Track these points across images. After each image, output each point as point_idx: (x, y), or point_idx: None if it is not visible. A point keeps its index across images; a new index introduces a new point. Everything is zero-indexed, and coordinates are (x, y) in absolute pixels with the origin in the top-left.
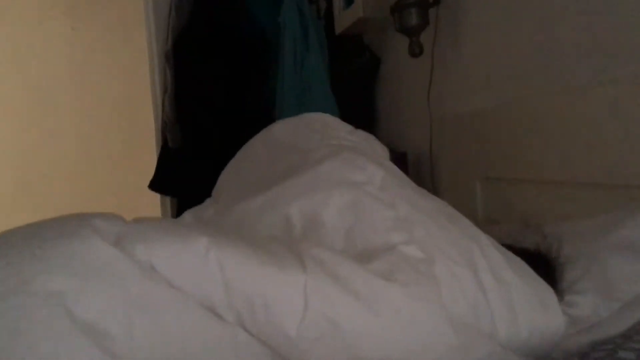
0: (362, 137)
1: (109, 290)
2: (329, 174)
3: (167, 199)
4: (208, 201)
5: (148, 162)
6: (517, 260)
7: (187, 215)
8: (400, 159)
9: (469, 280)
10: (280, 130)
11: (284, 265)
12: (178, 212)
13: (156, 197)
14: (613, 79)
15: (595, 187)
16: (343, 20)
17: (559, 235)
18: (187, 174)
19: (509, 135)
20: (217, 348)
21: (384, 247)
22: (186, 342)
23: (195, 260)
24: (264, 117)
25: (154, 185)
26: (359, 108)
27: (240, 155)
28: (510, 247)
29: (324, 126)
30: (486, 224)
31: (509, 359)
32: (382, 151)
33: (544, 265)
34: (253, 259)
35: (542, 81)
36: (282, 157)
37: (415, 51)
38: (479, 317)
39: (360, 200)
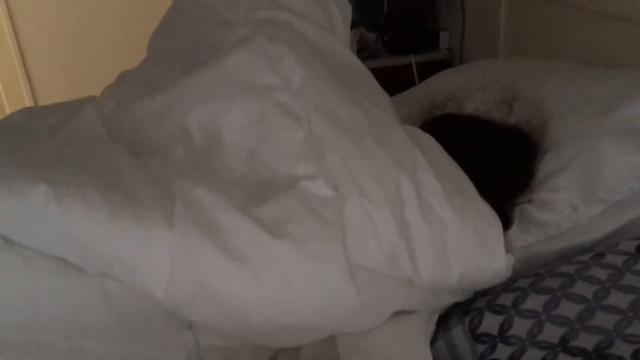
0: None
1: None
2: (234, 72)
3: None
4: (133, 73)
5: None
6: (463, 186)
7: (89, 108)
8: None
9: (387, 223)
10: None
11: (146, 219)
12: None
13: None
14: None
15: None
16: None
17: (550, 110)
18: None
19: None
20: (81, 302)
21: (286, 181)
22: (37, 303)
23: (33, 217)
24: None
25: None
26: None
27: (172, 10)
28: (489, 123)
29: None
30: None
31: (433, 302)
32: (337, 12)
33: (523, 149)
34: (104, 211)
35: None
36: (203, 28)
37: None
38: (396, 265)
39: (267, 113)
